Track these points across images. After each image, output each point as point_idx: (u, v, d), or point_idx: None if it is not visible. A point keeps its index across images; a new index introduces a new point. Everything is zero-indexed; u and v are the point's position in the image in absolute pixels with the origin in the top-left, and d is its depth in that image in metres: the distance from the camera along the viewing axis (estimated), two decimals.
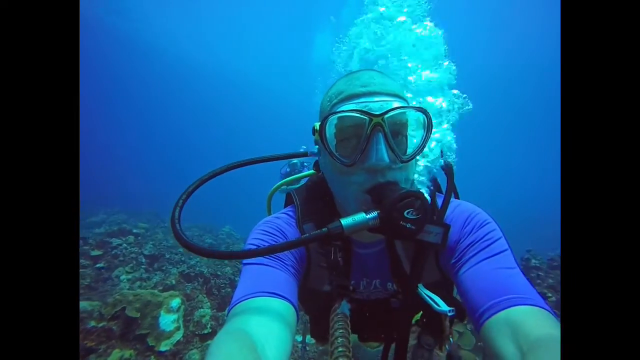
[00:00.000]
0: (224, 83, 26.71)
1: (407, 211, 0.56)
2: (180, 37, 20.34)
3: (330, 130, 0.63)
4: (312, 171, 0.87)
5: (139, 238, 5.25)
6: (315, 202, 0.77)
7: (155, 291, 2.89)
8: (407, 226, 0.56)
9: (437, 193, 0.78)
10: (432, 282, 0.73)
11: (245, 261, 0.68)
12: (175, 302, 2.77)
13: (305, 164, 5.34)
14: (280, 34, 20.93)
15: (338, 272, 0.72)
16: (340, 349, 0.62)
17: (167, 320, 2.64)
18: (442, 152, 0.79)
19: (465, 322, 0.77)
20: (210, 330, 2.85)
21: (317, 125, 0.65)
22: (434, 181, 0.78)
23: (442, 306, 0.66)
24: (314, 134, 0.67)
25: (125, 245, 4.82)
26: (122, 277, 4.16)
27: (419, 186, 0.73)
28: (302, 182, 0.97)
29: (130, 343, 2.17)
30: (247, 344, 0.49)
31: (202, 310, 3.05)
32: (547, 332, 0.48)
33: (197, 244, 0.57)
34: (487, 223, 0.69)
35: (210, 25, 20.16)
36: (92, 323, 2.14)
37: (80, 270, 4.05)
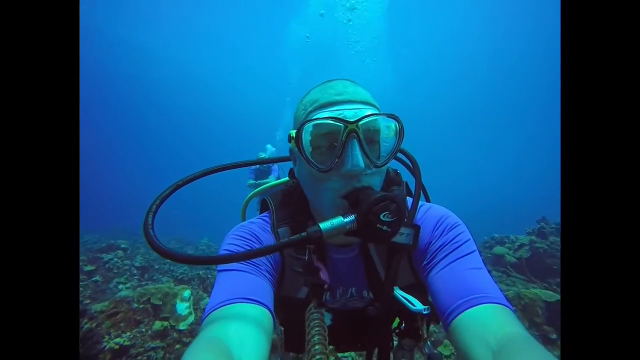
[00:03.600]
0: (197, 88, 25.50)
1: (383, 214, 0.57)
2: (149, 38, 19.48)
3: (306, 138, 0.64)
4: (286, 178, 0.88)
5: (128, 252, 5.61)
6: (291, 207, 0.78)
7: (171, 284, 3.50)
8: (384, 229, 0.57)
9: (407, 196, 0.79)
10: (406, 286, 0.74)
11: (219, 267, 0.68)
12: (187, 292, 3.41)
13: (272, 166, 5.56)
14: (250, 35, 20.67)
15: (313, 272, 0.71)
16: (317, 346, 0.62)
17: (182, 307, 3.28)
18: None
19: (440, 323, 0.75)
20: None
21: (293, 132, 0.65)
22: (405, 185, 0.80)
23: (418, 305, 0.67)
24: (289, 142, 0.67)
25: (116, 259, 5.18)
26: (120, 287, 4.57)
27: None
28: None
29: (161, 321, 2.82)
30: (223, 352, 0.49)
31: (205, 300, 3.71)
32: (513, 330, 0.50)
33: (172, 250, 0.56)
34: (457, 225, 0.71)
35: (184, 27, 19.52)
36: (135, 305, 2.75)
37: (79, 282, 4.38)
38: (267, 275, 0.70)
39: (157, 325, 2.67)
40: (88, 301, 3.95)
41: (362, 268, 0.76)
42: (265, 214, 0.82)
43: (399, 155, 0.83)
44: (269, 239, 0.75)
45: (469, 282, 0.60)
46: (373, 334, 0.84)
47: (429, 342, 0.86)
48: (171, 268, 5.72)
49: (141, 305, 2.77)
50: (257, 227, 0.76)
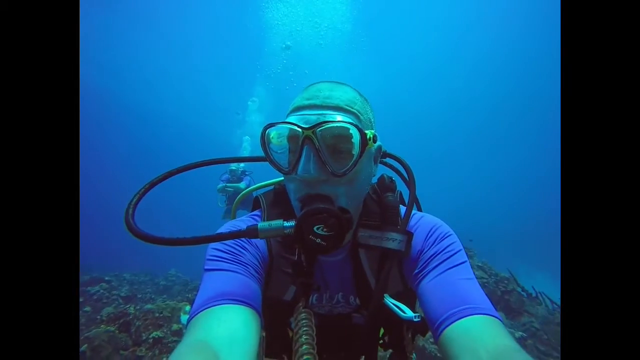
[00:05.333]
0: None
1: (317, 226, 0.56)
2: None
3: (276, 139, 0.65)
4: (281, 178, 0.87)
5: (112, 283, 6.10)
6: (281, 206, 0.77)
7: (175, 301, 4.40)
8: (317, 241, 0.57)
9: (400, 204, 0.78)
10: (395, 293, 0.73)
11: (206, 267, 0.67)
12: (187, 307, 4.37)
13: (247, 171, 5.72)
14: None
15: (301, 272, 0.70)
16: (305, 346, 0.61)
17: (185, 319, 4.24)
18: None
19: (427, 335, 0.71)
20: None
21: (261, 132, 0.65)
22: (399, 193, 0.80)
23: (408, 313, 0.66)
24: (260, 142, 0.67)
25: (102, 290, 5.67)
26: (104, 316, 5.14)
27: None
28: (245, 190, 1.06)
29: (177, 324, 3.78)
30: (209, 356, 0.48)
31: None
32: (505, 342, 0.51)
33: (153, 234, 0.55)
34: (449, 235, 0.72)
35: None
36: (157, 314, 3.65)
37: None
38: (256, 275, 0.69)
39: (174, 327, 3.67)
40: (83, 328, 4.58)
41: (350, 272, 0.75)
42: (256, 212, 0.83)
43: (393, 163, 0.84)
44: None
45: (461, 293, 0.60)
46: (358, 342, 0.82)
47: (414, 354, 0.86)
48: (152, 297, 6.33)
49: (158, 314, 3.73)
50: (244, 225, 0.74)
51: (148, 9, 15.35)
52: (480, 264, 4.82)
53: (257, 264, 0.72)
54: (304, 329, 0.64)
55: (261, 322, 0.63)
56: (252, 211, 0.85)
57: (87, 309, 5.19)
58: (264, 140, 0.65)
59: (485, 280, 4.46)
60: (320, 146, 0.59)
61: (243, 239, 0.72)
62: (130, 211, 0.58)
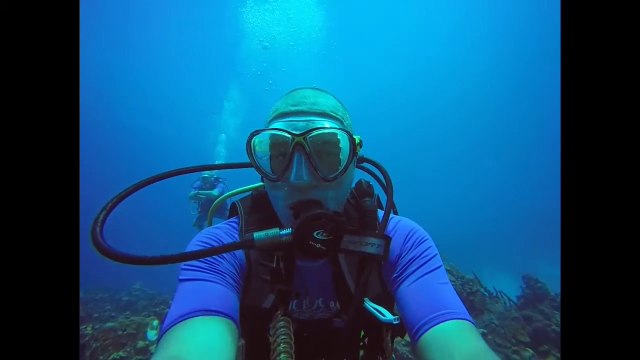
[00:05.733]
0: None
1: (317, 232, 0.57)
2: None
3: (261, 145, 0.65)
4: (258, 183, 0.88)
5: None
6: (260, 212, 0.77)
7: (141, 317, 4.11)
8: (317, 246, 0.58)
9: (378, 209, 0.79)
10: (374, 297, 0.73)
11: (181, 276, 0.64)
12: (155, 322, 4.10)
13: (220, 178, 5.58)
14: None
15: (280, 279, 0.69)
16: (282, 355, 0.61)
17: (152, 334, 3.97)
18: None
19: (406, 336, 0.71)
20: None
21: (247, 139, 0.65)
22: (377, 197, 0.81)
23: (388, 316, 0.66)
24: (246, 149, 0.66)
25: None
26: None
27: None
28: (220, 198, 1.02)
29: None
30: None
31: None
32: (477, 345, 0.54)
33: (132, 253, 0.51)
34: (426, 239, 0.73)
35: None
36: (119, 332, 3.38)
37: None
38: (233, 283, 0.67)
39: (140, 344, 3.43)
40: None
41: (330, 277, 0.75)
42: (233, 218, 0.80)
43: (369, 167, 0.85)
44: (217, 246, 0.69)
45: (439, 297, 0.62)
46: (339, 347, 0.83)
47: (393, 356, 0.87)
48: (112, 315, 5.85)
49: (121, 332, 3.48)
50: (222, 233, 0.74)
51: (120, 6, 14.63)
52: (448, 268, 5.10)
53: (234, 272, 0.70)
54: (282, 337, 0.64)
55: (239, 331, 0.62)
56: (229, 218, 0.84)
57: None
58: (251, 147, 0.65)
59: (453, 283, 4.72)
60: (311, 152, 0.60)
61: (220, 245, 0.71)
62: (98, 228, 0.53)
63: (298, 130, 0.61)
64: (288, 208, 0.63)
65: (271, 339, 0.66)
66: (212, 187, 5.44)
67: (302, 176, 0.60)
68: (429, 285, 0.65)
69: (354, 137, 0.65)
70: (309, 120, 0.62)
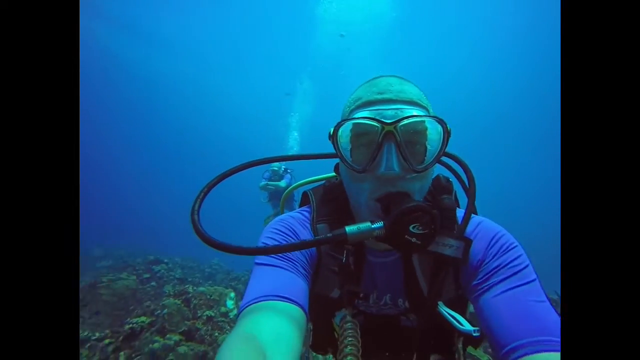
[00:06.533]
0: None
1: (413, 225, 0.55)
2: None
3: (343, 136, 0.64)
4: (332, 173, 0.87)
5: (169, 265, 7.24)
6: (332, 204, 0.76)
7: (222, 287, 5.25)
8: (412, 240, 0.56)
9: (457, 208, 0.75)
10: (447, 300, 0.70)
11: (257, 260, 0.68)
12: (232, 294, 5.15)
13: (288, 170, 5.83)
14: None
15: (348, 277, 0.70)
16: (349, 347, 0.61)
17: (230, 304, 5.02)
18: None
19: (478, 348, 0.67)
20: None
21: (332, 130, 0.64)
22: (454, 194, 0.76)
23: (466, 325, 0.62)
24: (329, 139, 0.66)
25: (162, 270, 6.81)
26: (170, 291, 6.18)
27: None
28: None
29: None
30: (257, 349, 0.49)
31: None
32: None
33: (216, 239, 0.58)
34: (514, 246, 0.67)
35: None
36: (208, 296, 4.51)
37: (142, 286, 5.98)
38: (304, 272, 0.70)
39: (222, 309, 4.46)
40: (148, 303, 5.54)
41: (401, 275, 0.73)
42: (305, 207, 0.83)
43: (448, 161, 0.80)
44: (306, 235, 0.75)
45: (537, 318, 0.55)
46: (406, 345, 0.79)
47: None
48: (200, 281, 7.33)
49: (210, 296, 4.56)
50: (296, 222, 0.77)
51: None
52: None
53: (305, 261, 0.71)
54: (349, 339, 0.64)
55: (307, 318, 0.63)
56: (300, 207, 0.87)
57: (153, 283, 6.29)
58: (337, 138, 0.64)
59: None
60: (401, 141, 0.59)
61: (292, 235, 0.74)
62: (196, 216, 0.61)
63: (388, 119, 0.59)
64: (374, 201, 0.62)
65: (337, 336, 0.68)
66: (280, 179, 5.69)
67: (393, 167, 0.58)
68: (523, 301, 0.59)
69: (448, 127, 0.62)
70: (398, 109, 0.61)
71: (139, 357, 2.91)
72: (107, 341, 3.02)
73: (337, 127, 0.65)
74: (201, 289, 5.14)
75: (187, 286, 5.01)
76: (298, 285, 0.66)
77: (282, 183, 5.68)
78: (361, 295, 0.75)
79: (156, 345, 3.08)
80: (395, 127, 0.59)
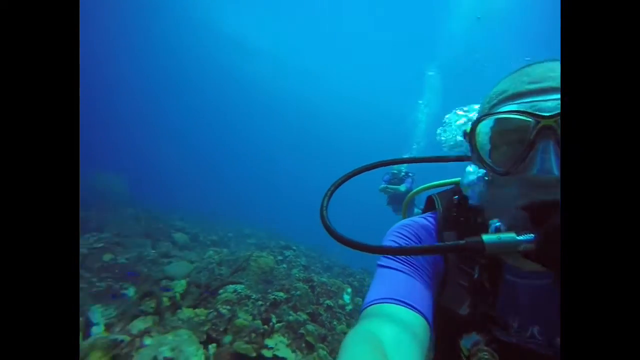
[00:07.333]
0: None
1: None
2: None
3: (482, 135, 0.57)
4: (457, 178, 0.80)
5: (297, 252, 8.52)
6: (461, 210, 0.68)
7: (340, 280, 5.79)
8: None
9: None
10: None
11: (379, 262, 0.67)
12: (349, 289, 5.55)
13: (410, 173, 5.58)
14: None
15: (482, 296, 0.61)
16: None
17: (347, 298, 5.42)
18: None
19: None
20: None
21: (468, 128, 0.58)
22: None
23: None
24: (464, 138, 0.60)
25: (291, 256, 8.09)
26: (299, 276, 7.27)
27: None
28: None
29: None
30: (380, 349, 0.48)
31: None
32: None
33: (342, 234, 0.59)
34: None
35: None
36: (328, 287, 5.14)
37: (277, 266, 7.33)
38: (428, 280, 0.65)
39: (340, 301, 4.91)
40: (284, 282, 6.59)
41: (555, 304, 0.58)
42: (430, 213, 0.77)
43: None
44: (431, 243, 0.71)
45: None
46: None
47: None
48: (320, 272, 8.23)
49: (331, 286, 5.09)
50: (420, 228, 0.72)
51: None
52: None
53: (429, 269, 0.68)
54: None
55: (431, 329, 0.60)
56: (424, 212, 0.81)
57: (284, 266, 7.55)
58: (474, 137, 0.57)
59: None
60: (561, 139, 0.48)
61: (416, 242, 0.70)
62: (325, 212, 0.62)
63: (546, 112, 0.50)
64: (520, 209, 0.51)
65: (464, 355, 0.64)
66: (400, 182, 5.49)
67: (552, 169, 0.48)
68: None
69: None
70: (559, 99, 0.50)
71: (281, 323, 3.65)
72: (260, 302, 3.93)
73: (476, 123, 0.57)
74: (322, 279, 5.79)
75: (311, 274, 5.74)
76: (421, 293, 0.63)
77: (402, 187, 5.48)
78: (500, 323, 0.64)
79: (291, 317, 3.80)
80: (556, 122, 0.49)
